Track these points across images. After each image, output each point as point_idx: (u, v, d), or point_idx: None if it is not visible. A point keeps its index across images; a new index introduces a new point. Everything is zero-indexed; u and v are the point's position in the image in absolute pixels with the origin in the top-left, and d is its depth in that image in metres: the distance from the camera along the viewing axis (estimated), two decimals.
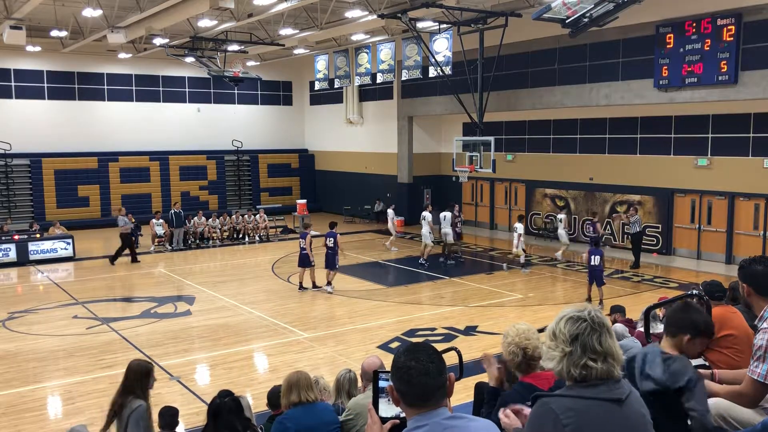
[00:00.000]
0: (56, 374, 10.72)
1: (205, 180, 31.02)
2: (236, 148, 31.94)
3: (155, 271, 19.49)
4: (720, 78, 16.86)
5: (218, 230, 24.09)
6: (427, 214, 19.84)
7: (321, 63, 26.13)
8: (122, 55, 27.08)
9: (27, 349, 11.95)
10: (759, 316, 3.61)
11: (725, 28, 16.74)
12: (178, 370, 10.66)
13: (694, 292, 5.11)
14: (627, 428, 2.39)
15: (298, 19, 22.49)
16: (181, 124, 30.70)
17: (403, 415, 2.44)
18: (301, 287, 16.37)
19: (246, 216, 24.76)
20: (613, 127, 21.41)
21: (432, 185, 27.89)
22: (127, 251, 20.27)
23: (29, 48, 24.38)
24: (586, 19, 15.26)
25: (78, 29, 22.89)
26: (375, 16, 18.87)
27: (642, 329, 6.08)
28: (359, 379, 5.81)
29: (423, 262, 19.45)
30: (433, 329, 12.91)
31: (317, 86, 26.79)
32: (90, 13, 18.40)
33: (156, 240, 22.70)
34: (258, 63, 29.94)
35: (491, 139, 20.15)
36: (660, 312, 7.17)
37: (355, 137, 30.77)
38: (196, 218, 23.91)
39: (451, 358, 3.79)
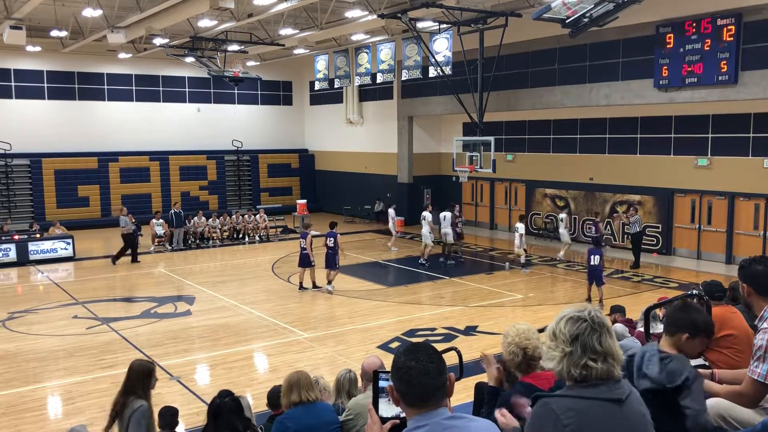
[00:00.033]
0: (56, 374, 10.72)
1: (205, 180, 31.02)
2: (236, 148, 31.94)
3: (155, 271, 19.49)
4: (720, 78, 16.86)
5: (218, 230, 24.09)
6: (427, 214, 19.85)
7: (321, 63, 26.14)
8: (122, 55, 27.08)
9: (27, 349, 11.95)
10: (759, 316, 3.61)
11: (725, 28, 16.74)
12: (178, 370, 10.66)
13: (694, 292, 5.12)
14: (627, 428, 2.39)
15: (298, 19, 22.49)
16: (181, 124, 30.71)
17: (403, 415, 2.44)
18: (301, 287, 16.38)
19: (246, 216, 24.76)
20: (613, 127, 21.41)
21: (432, 185, 27.89)
22: (128, 251, 20.31)
23: (29, 48, 24.38)
24: (586, 19, 15.26)
25: (78, 29, 22.89)
26: (375, 16, 18.87)
27: (642, 329, 6.08)
28: (359, 379, 5.81)
29: (423, 262, 19.45)
30: (433, 329, 12.91)
31: (317, 86, 26.79)
32: (90, 13, 18.40)
33: (156, 240, 22.70)
34: (258, 63, 29.95)
35: (491, 139, 20.15)
36: (660, 312, 7.16)
37: (355, 137, 30.77)
38: (196, 218, 23.92)
39: (451, 358, 3.79)
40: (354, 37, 23.93)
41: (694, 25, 17.36)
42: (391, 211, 22.82)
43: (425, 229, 19.65)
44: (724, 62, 16.74)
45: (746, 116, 18.03)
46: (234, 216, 24.82)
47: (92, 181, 28.38)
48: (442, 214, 19.93)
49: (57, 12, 20.05)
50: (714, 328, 3.69)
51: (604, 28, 16.78)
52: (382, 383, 2.51)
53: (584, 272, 15.71)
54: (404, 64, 22.24)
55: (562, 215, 20.39)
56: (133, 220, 20.72)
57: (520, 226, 18.31)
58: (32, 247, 20.49)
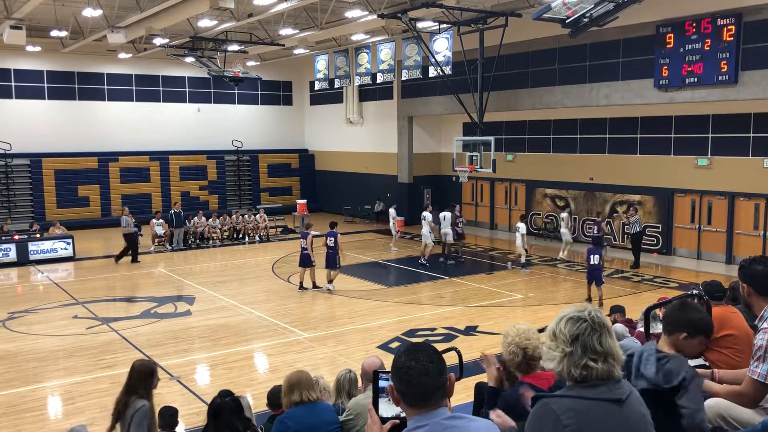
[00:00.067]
0: (56, 374, 10.72)
1: (205, 180, 31.02)
2: (236, 148, 31.94)
3: (155, 271, 19.49)
4: (720, 78, 16.86)
5: (218, 230, 24.09)
6: (427, 214, 19.86)
7: (321, 63, 26.13)
8: (122, 55, 27.08)
9: (27, 349, 11.95)
10: (759, 316, 3.61)
11: (725, 28, 16.74)
12: (178, 370, 10.66)
13: (694, 292, 5.11)
14: (627, 428, 2.39)
15: (298, 19, 22.49)
16: (181, 124, 30.71)
17: (403, 415, 2.44)
18: (301, 287, 16.38)
19: (246, 216, 24.76)
20: (613, 127, 21.41)
21: (432, 185, 27.89)
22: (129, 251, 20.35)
23: (29, 48, 24.38)
24: (586, 19, 15.26)
25: (78, 29, 22.90)
26: (375, 16, 18.87)
27: (642, 329, 6.08)
28: (359, 379, 5.81)
29: (423, 262, 19.45)
30: (433, 329, 12.91)
31: (317, 86, 26.80)
32: (90, 13, 18.40)
33: (156, 240, 22.70)
34: (258, 63, 29.95)
35: (491, 139, 20.15)
36: (660, 312, 7.15)
37: (355, 137, 30.77)
38: (196, 218, 23.92)
39: (451, 358, 3.79)
40: (354, 37, 23.94)
41: (694, 25, 17.36)
42: (392, 211, 22.82)
43: (425, 229, 19.66)
44: (724, 62, 16.74)
45: (746, 116, 18.03)
46: (234, 216, 24.82)
47: (92, 181, 28.39)
48: (442, 214, 19.93)
49: (57, 12, 20.06)
50: (713, 328, 3.68)
51: (604, 28, 16.79)
52: (382, 383, 2.51)
53: (584, 272, 15.70)
54: (404, 64, 22.24)
55: (564, 214, 20.40)
56: (133, 220, 20.74)
57: (521, 226, 18.31)
58: (32, 247, 20.49)
